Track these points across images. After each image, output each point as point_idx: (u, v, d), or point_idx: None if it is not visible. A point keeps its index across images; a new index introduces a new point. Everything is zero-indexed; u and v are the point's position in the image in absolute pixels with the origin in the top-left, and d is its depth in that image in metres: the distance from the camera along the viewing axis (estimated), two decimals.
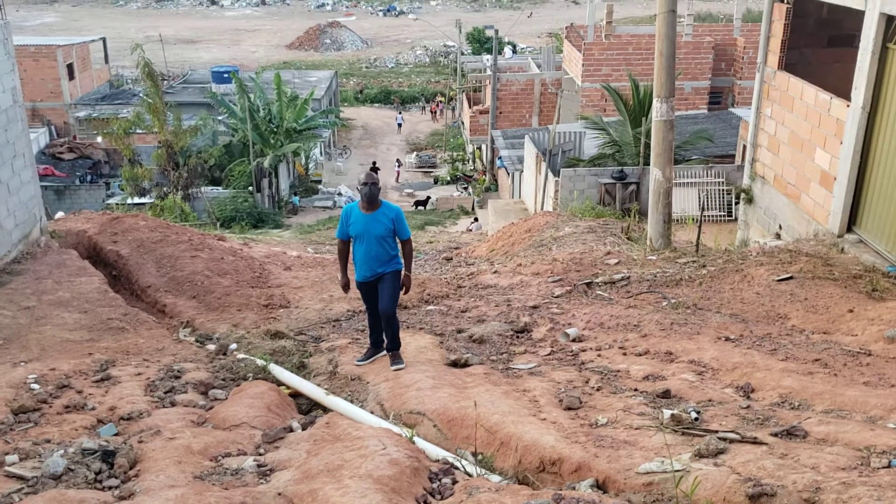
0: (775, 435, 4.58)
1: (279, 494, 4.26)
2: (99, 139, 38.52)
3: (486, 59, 46.18)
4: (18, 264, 10.79)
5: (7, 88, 11.13)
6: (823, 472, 3.90)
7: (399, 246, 7.04)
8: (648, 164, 13.40)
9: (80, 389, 6.57)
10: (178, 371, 7.09)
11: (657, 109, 11.38)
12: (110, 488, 4.49)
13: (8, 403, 6.15)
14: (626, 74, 26.01)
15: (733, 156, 23.59)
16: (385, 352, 7.24)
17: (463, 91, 47.39)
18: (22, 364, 7.46)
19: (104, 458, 4.85)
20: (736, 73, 34.05)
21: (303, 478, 4.42)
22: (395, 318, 7.10)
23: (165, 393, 6.51)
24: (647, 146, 17.39)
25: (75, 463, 4.81)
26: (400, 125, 55.93)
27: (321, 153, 45.86)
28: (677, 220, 16.43)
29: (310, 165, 42.95)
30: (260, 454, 5.12)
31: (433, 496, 4.41)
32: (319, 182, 42.47)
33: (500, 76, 38.17)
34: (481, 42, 63.80)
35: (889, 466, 4.04)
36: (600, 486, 4.39)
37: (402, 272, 6.97)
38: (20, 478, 4.60)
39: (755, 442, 4.43)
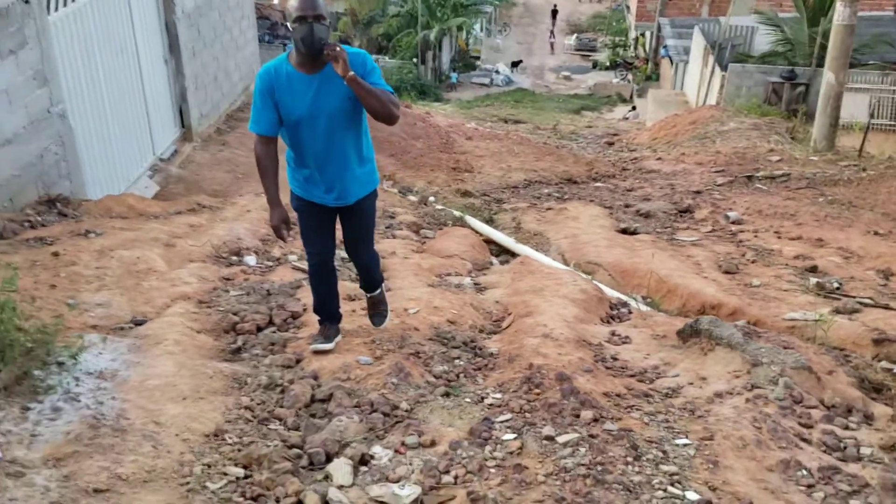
0: None
1: (497, 302, 5.62)
2: (275, 0, 40.40)
3: None
4: (242, 112, 12.55)
5: None
6: None
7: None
8: (821, 66, 13.56)
9: None
10: (392, 213, 8.55)
11: (840, 13, 11.58)
12: None
13: (266, 222, 7.79)
14: None
15: None
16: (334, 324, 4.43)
17: None
18: (263, 194, 9.13)
19: None
20: None
21: (513, 293, 5.75)
22: (376, 255, 4.53)
23: (386, 228, 7.98)
24: (823, 47, 17.17)
25: (340, 267, 6.34)
26: None
27: (481, 29, 46.24)
28: (844, 126, 16.44)
29: (469, 41, 43.56)
30: (472, 277, 6.50)
31: (613, 319, 5.66)
32: (478, 58, 43.09)
33: None
34: None
35: None
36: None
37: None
38: (302, 270, 6.17)
39: (886, 307, 5.39)
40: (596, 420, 3.52)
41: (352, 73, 3.63)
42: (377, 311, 4.55)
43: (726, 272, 6.66)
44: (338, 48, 3.61)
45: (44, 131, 7.24)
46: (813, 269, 6.61)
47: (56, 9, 7.60)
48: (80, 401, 3.28)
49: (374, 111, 3.75)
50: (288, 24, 3.74)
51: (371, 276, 4.46)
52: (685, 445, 3.35)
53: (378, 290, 4.52)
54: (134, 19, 9.21)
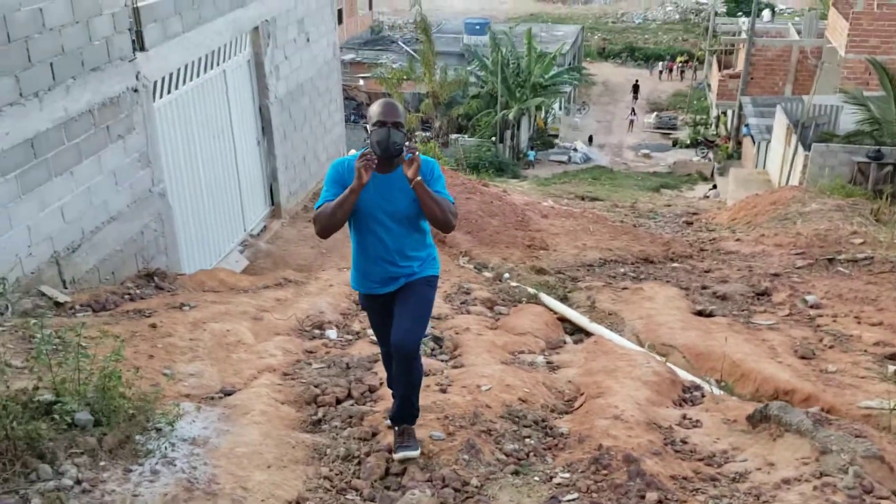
0: None
1: (569, 381, 5.74)
2: (361, 82, 42.09)
3: (743, 21, 44.73)
4: None
5: (330, 43, 13.39)
6: None
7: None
8: None
9: None
10: (467, 289, 8.78)
11: None
12: (443, 360, 6.18)
13: (347, 297, 8.12)
14: None
15: None
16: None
17: (714, 53, 46.29)
18: (345, 269, 9.51)
19: (435, 340, 6.58)
20: None
21: (585, 374, 5.86)
22: (419, 362, 4.18)
23: (461, 304, 8.21)
24: None
25: None
26: (661, 72, 56.61)
27: (560, 108, 46.97)
28: None
29: (548, 119, 44.27)
30: (545, 355, 6.63)
31: (685, 403, 5.69)
32: (556, 136, 43.67)
33: (756, 40, 37.07)
34: (738, 1, 61.31)
35: None
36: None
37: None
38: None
39: None
40: (660, 502, 3.60)
41: (420, 178, 3.77)
42: (407, 442, 4.15)
43: (802, 357, 6.61)
44: (417, 152, 3.80)
45: (145, 209, 7.80)
46: (893, 357, 6.51)
47: (161, 96, 8.26)
48: (175, 465, 3.55)
49: (434, 217, 3.88)
50: (367, 127, 3.93)
51: (412, 400, 4.17)
52: None
53: (405, 427, 4.21)
54: (231, 104, 9.87)
